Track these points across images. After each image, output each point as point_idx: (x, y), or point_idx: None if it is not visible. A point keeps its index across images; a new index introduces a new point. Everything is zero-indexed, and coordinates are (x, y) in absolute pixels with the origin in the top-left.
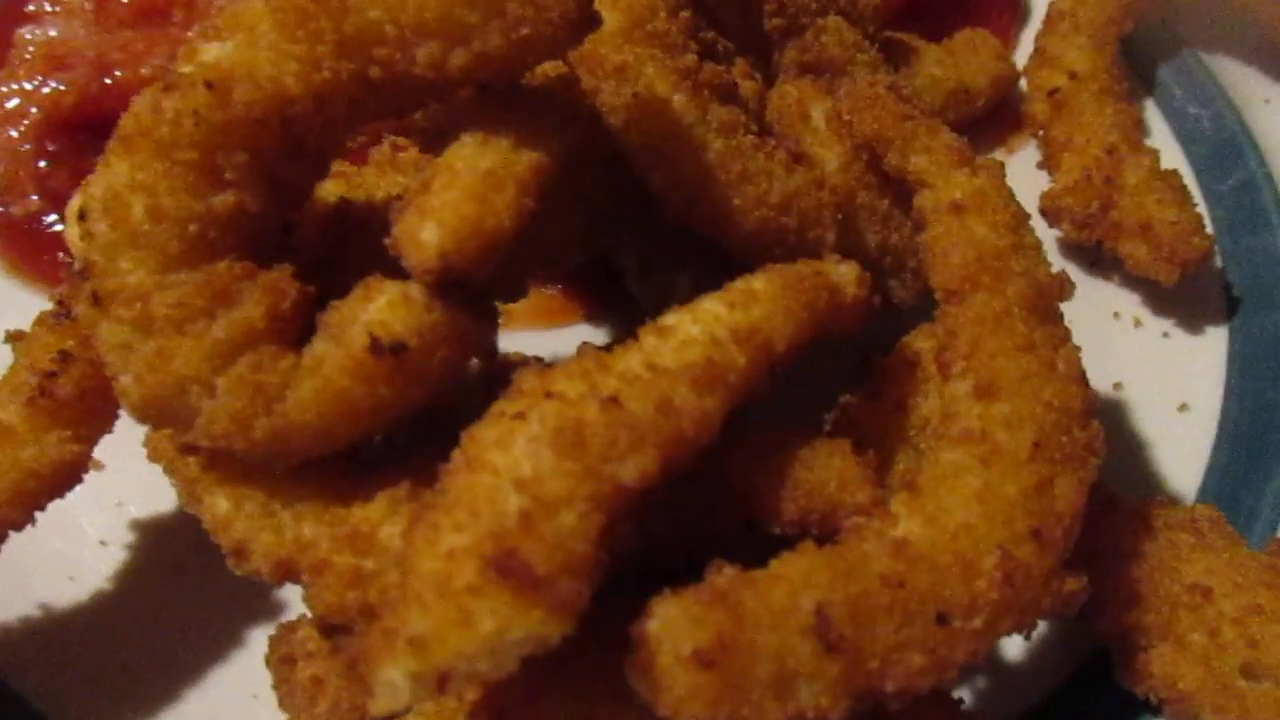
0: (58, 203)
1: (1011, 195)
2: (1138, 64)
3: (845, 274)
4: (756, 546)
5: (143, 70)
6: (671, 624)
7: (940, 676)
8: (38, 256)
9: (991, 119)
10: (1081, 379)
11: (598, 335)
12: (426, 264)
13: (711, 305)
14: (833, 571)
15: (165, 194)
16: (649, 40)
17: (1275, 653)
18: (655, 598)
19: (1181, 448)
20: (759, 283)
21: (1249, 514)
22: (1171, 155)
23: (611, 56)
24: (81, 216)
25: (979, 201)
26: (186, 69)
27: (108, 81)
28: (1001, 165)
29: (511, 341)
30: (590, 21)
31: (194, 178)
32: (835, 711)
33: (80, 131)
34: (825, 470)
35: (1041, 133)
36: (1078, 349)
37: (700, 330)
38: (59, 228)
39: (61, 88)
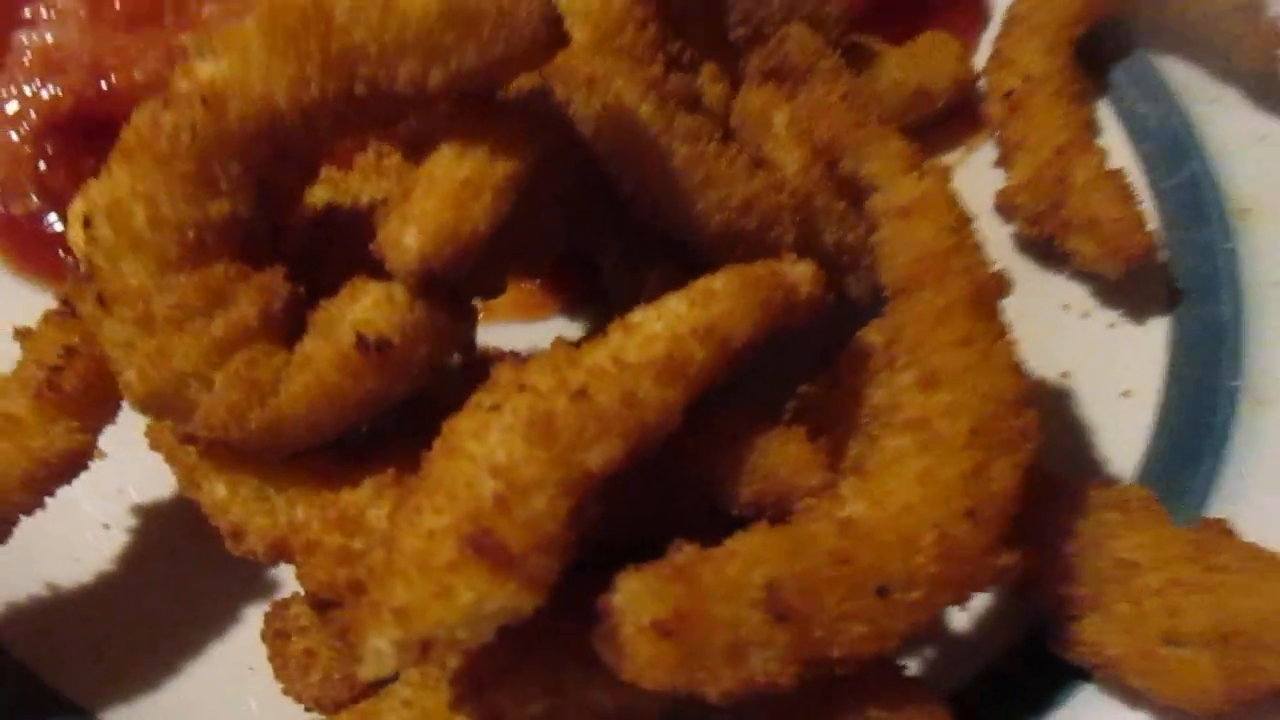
0: (57, 202)
1: (956, 199)
2: (1093, 64)
3: (801, 273)
4: (717, 527)
5: (135, 74)
6: (634, 597)
7: (882, 645)
8: (39, 253)
9: (952, 118)
10: (1017, 370)
11: (574, 327)
12: (408, 267)
13: (674, 303)
14: (783, 549)
15: (164, 202)
16: (618, 53)
17: (1192, 621)
18: (620, 573)
19: (1123, 431)
20: (719, 282)
21: (1181, 493)
22: (1122, 153)
23: (582, 68)
24: (86, 223)
25: (925, 205)
26: (183, 86)
27: (103, 85)
28: (948, 170)
29: (492, 333)
30: (560, 40)
31: (191, 187)
32: (784, 677)
33: (76, 133)
34: (780, 456)
35: (998, 133)
36: (1015, 342)
37: (663, 327)
38: (58, 227)
39: (58, 92)
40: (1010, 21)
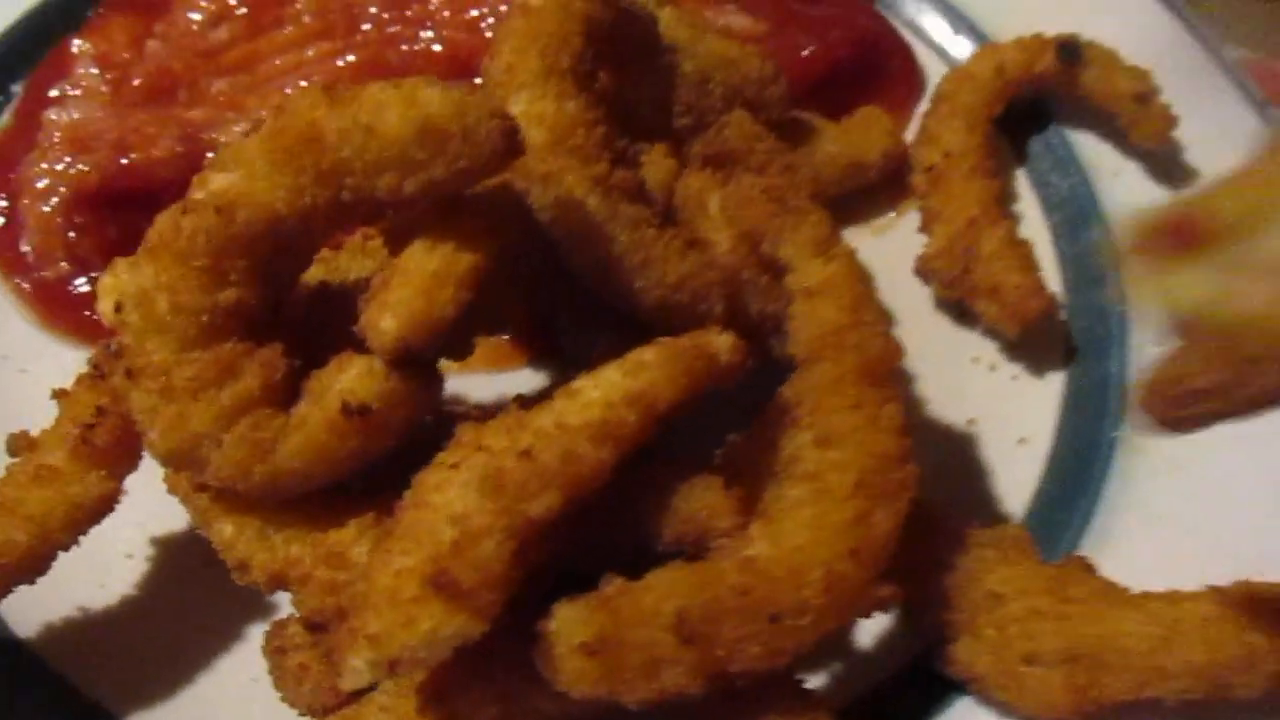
0: (85, 267)
1: (857, 279)
2: (1014, 137)
3: (722, 343)
4: (645, 561)
5: (154, 151)
6: (565, 622)
7: (774, 661)
8: (68, 314)
9: (885, 185)
10: (901, 431)
11: (539, 377)
12: (385, 348)
13: (610, 373)
14: (692, 583)
15: (183, 292)
16: (569, 153)
17: (1047, 645)
18: (556, 603)
19: (1018, 475)
20: (649, 353)
21: (1059, 531)
22: (1035, 220)
23: (538, 166)
24: (117, 309)
25: (828, 287)
26: (199, 195)
27: (124, 161)
28: (852, 253)
29: (465, 383)
30: (515, 150)
31: (205, 279)
32: (692, 688)
33: (101, 205)
34: (699, 502)
35: (920, 202)
36: (900, 406)
37: (599, 394)
38: (85, 289)
39: (85, 168)
40: (936, 99)
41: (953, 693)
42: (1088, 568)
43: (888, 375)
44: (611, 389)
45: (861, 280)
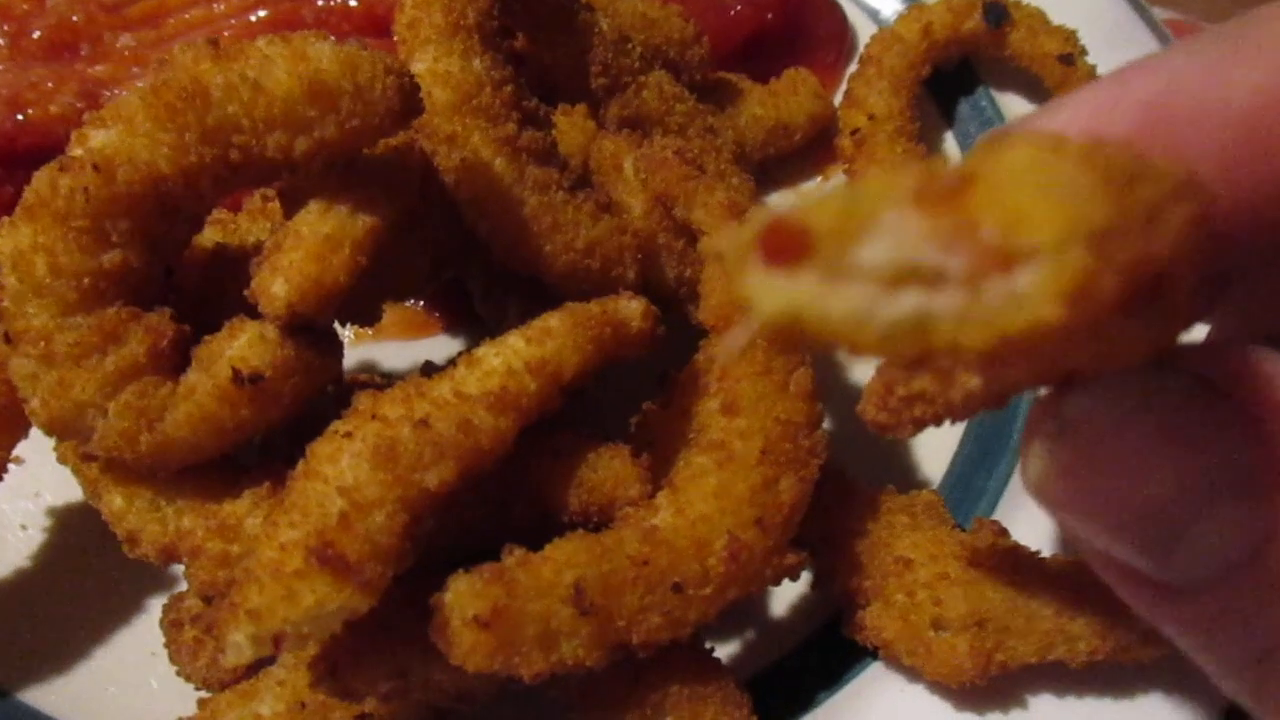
0: None
1: None
2: (941, 98)
3: (632, 309)
4: (549, 531)
5: (52, 108)
6: (459, 595)
7: (676, 632)
8: None
9: (812, 148)
10: (810, 397)
11: (455, 344)
12: (276, 312)
13: (513, 340)
14: (591, 553)
15: (62, 254)
16: (475, 113)
17: (954, 610)
18: (451, 575)
19: (939, 439)
20: (554, 320)
21: (976, 496)
22: None
23: (443, 126)
24: None
25: None
26: (77, 152)
27: (20, 118)
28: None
29: (380, 351)
30: (414, 110)
31: (86, 241)
32: (591, 660)
33: None
34: (605, 471)
35: (846, 166)
36: (810, 372)
37: (501, 362)
38: None
39: None
40: (863, 61)
41: (862, 658)
42: (1000, 532)
43: None
44: (513, 356)
45: None
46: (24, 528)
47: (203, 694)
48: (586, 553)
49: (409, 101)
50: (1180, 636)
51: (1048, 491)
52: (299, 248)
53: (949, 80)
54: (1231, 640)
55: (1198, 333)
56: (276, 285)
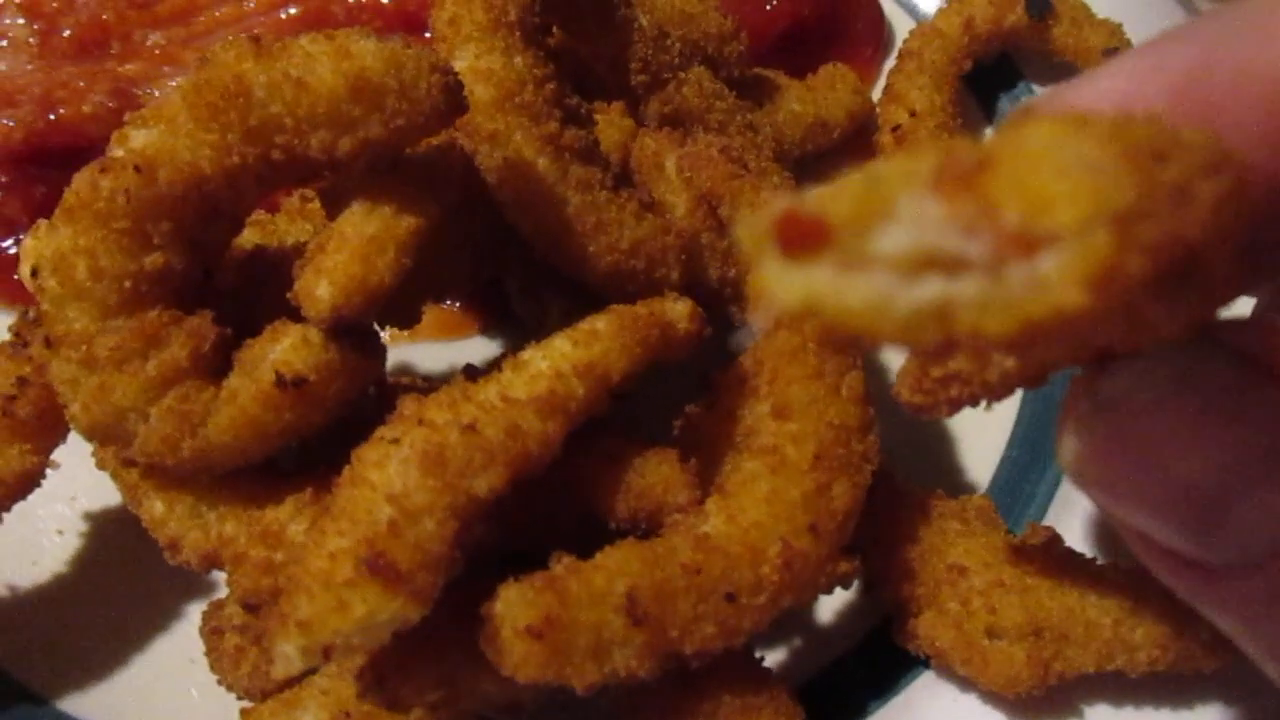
0: (10, 228)
1: None
2: (981, 93)
3: (679, 311)
4: (597, 538)
5: (84, 107)
6: (510, 605)
7: (729, 642)
8: None
9: (851, 145)
10: (862, 400)
11: (493, 346)
12: (320, 315)
13: (560, 343)
14: (643, 561)
15: (103, 256)
16: (518, 110)
17: (1010, 618)
18: (502, 584)
19: (985, 443)
20: (601, 322)
21: (1025, 501)
22: None
23: (485, 124)
24: (33, 273)
25: None
26: (118, 153)
27: (52, 117)
28: None
29: (415, 352)
30: (458, 108)
31: (127, 243)
32: (643, 670)
33: (29, 163)
34: (653, 476)
35: None
36: (862, 375)
37: (548, 365)
38: (12, 250)
39: (9, 123)
40: (902, 56)
41: (913, 667)
42: (1053, 539)
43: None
44: (560, 360)
45: None
46: (60, 533)
47: (244, 703)
48: (638, 560)
49: (454, 99)
50: (1222, 619)
51: (1084, 471)
52: (343, 249)
53: (989, 75)
54: (1277, 623)
55: (1242, 306)
56: (321, 288)
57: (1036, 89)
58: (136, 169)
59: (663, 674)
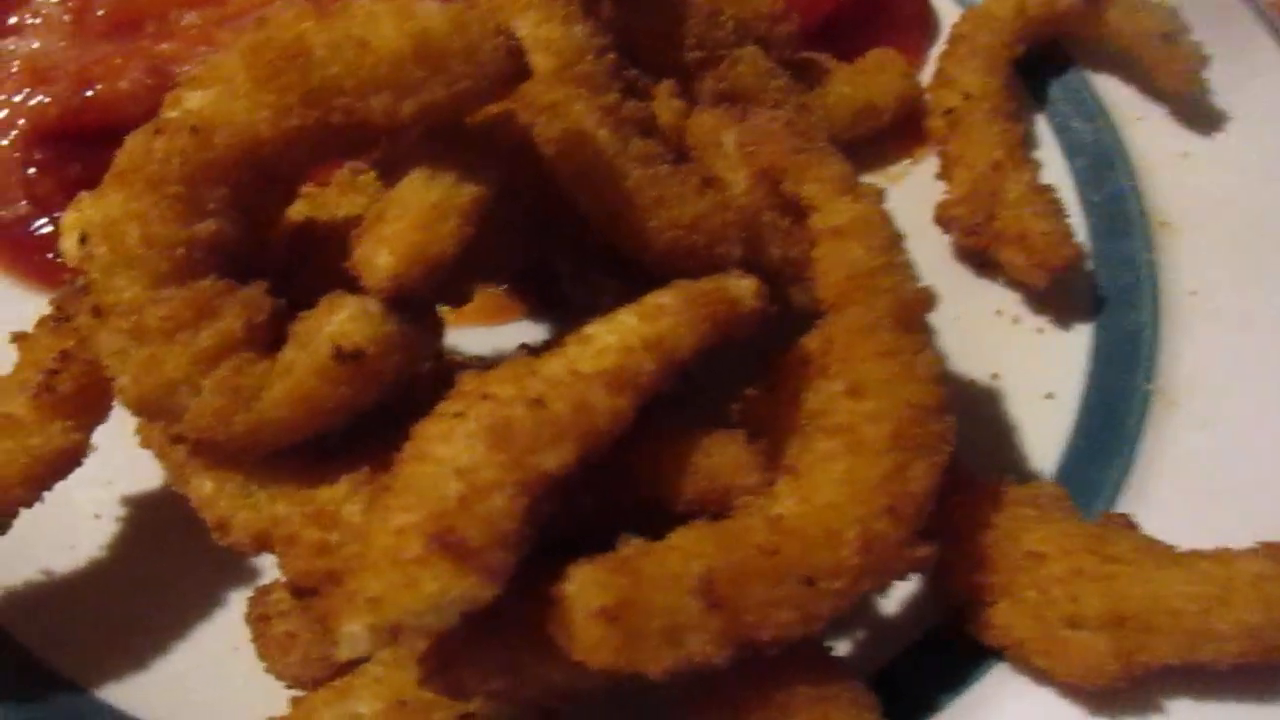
0: (45, 207)
1: (887, 220)
2: (1032, 81)
3: (745, 288)
4: (662, 521)
5: (120, 84)
6: (582, 585)
7: (808, 628)
8: (27, 256)
9: (899, 131)
10: (937, 380)
11: (537, 330)
12: (381, 285)
13: (625, 316)
14: (718, 543)
15: (155, 222)
16: (577, 81)
17: (1091, 606)
18: (571, 564)
19: (1046, 431)
20: (667, 297)
21: (1094, 489)
22: (1056, 166)
23: (544, 95)
24: (82, 239)
25: (857, 226)
26: (173, 114)
27: (88, 95)
28: (881, 192)
29: (459, 337)
30: (522, 73)
31: (180, 208)
32: (718, 657)
33: (63, 141)
34: (720, 457)
35: (939, 147)
36: (937, 353)
37: (615, 339)
38: (46, 230)
39: (45, 100)
40: (953, 40)
41: (985, 660)
42: (1129, 525)
43: (922, 321)
44: (628, 334)
45: (891, 221)
46: (97, 517)
47: (292, 692)
48: (712, 542)
49: (518, 63)
50: None
51: None
52: (404, 217)
53: (1038, 60)
54: None
55: None
56: (381, 256)
57: (1088, 75)
58: (193, 130)
59: (733, 662)
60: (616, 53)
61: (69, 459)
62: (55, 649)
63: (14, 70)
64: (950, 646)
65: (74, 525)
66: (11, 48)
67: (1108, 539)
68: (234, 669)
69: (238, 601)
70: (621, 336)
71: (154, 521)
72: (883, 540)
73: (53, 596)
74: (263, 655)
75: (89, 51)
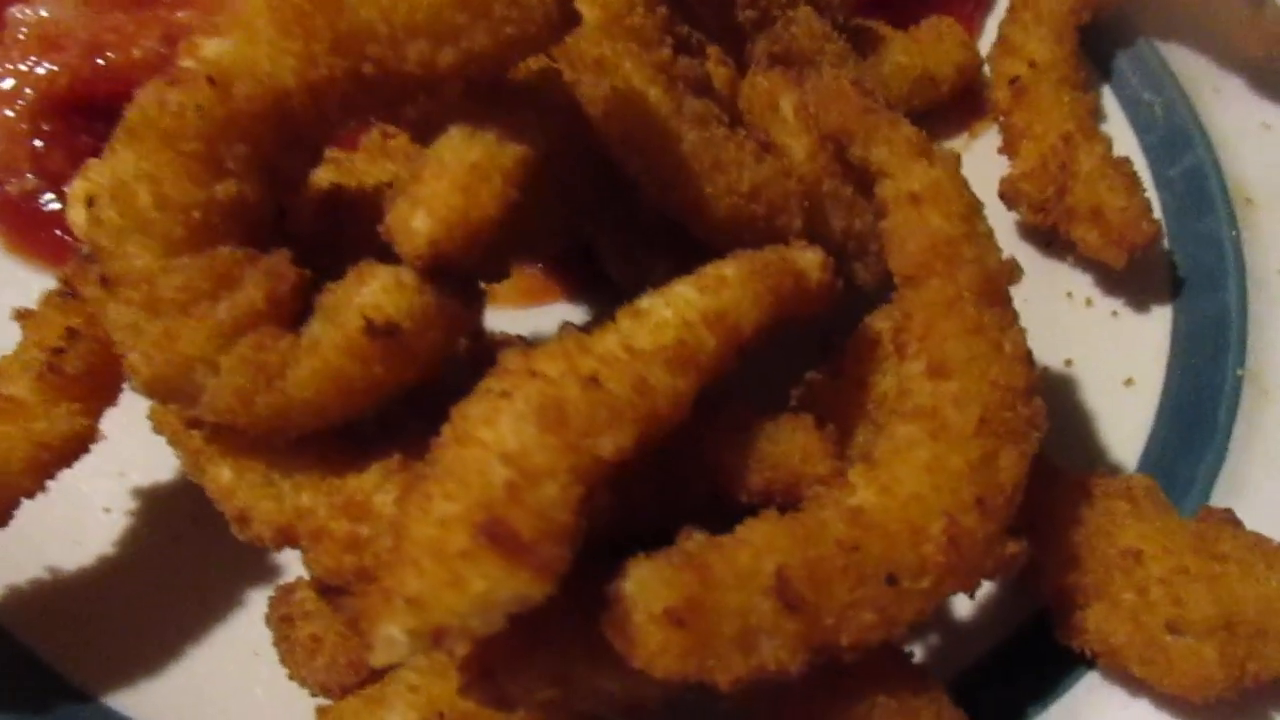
0: (54, 181)
1: (966, 186)
2: (1097, 52)
3: (810, 260)
4: (723, 514)
5: (134, 52)
6: (645, 584)
7: (890, 632)
8: (35, 234)
9: (956, 104)
10: (1027, 359)
11: (576, 314)
12: (418, 251)
13: (683, 289)
14: (793, 537)
15: (170, 183)
16: (626, 35)
17: (1197, 610)
18: (630, 560)
19: (1126, 421)
20: (728, 268)
21: (1184, 484)
22: (1125, 141)
23: (590, 50)
24: (90, 203)
25: (935, 192)
26: (189, 64)
27: (100, 63)
28: (958, 157)
29: (494, 319)
30: (570, 21)
31: (197, 167)
32: (794, 665)
33: (74, 112)
34: (789, 444)
35: (1002, 119)
36: (1024, 331)
37: (673, 314)
38: (55, 206)
39: (55, 69)
40: (1015, 7)
41: (1076, 667)
42: (1231, 521)
43: (1007, 295)
44: (687, 307)
45: (969, 187)
46: (107, 510)
47: (318, 700)
48: (786, 536)
49: (566, 9)
50: None
51: None
52: (442, 177)
53: (1103, 31)
54: None
55: None
56: (417, 219)
57: (1159, 46)
58: (210, 82)
59: (809, 671)
60: (668, 6)
61: (76, 445)
62: (61, 653)
63: (22, 38)
64: (1036, 653)
65: (81, 519)
66: (20, 15)
67: (1211, 536)
68: (254, 675)
69: (258, 602)
70: (680, 310)
71: (168, 515)
72: (971, 536)
73: (59, 596)
74: (285, 660)
75: (101, 18)
